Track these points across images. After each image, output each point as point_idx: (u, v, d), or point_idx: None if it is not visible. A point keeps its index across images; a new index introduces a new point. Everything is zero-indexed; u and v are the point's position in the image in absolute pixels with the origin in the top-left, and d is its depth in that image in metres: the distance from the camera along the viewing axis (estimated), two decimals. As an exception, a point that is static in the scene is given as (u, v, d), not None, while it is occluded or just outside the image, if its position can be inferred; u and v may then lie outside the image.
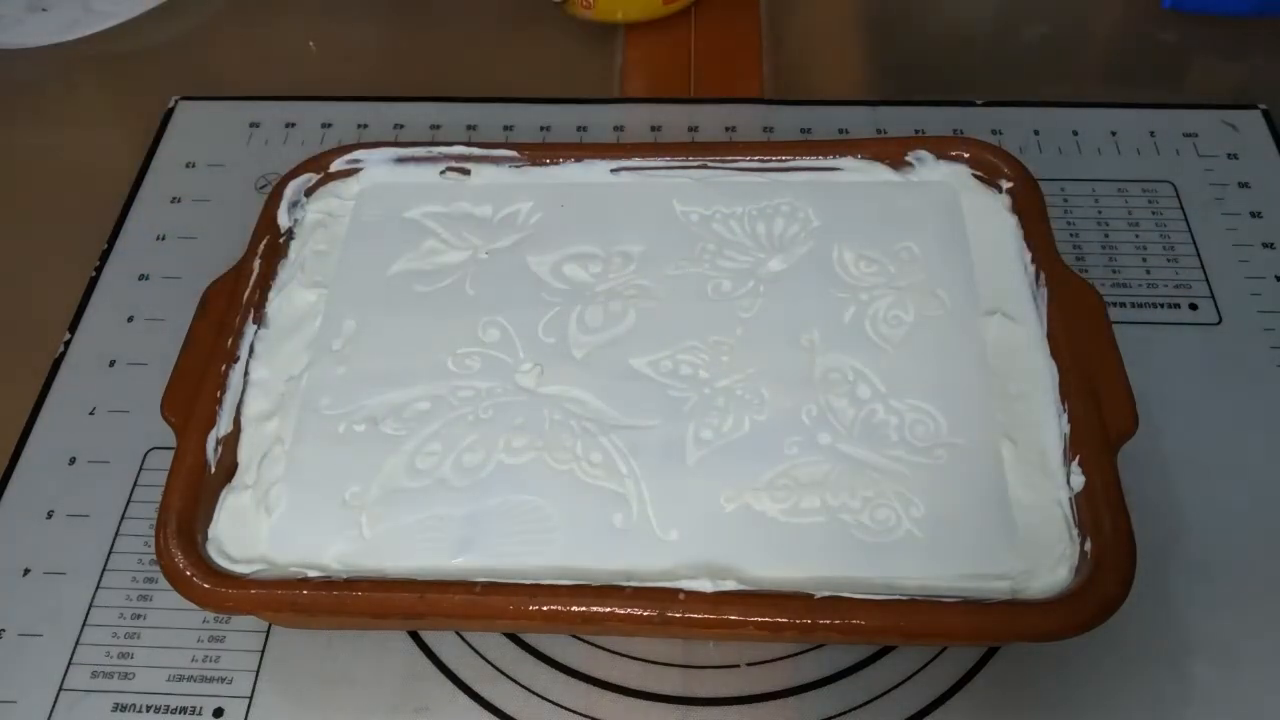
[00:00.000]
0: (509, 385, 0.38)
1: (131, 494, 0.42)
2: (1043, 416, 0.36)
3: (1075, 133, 0.52)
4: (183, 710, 0.37)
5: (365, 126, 0.55)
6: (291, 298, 0.41)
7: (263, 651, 0.38)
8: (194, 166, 0.54)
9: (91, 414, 0.45)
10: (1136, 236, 0.48)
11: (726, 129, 0.54)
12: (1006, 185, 0.42)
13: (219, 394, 0.38)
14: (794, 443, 0.36)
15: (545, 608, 0.32)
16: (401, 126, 0.55)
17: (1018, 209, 0.42)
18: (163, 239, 0.51)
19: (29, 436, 0.44)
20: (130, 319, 0.48)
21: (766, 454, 0.36)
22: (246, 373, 0.39)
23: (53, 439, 0.44)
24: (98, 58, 0.60)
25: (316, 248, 0.43)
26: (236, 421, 0.38)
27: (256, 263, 0.41)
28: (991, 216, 0.42)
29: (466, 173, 0.45)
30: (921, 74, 0.58)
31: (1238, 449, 0.41)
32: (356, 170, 0.45)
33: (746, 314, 0.40)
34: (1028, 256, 0.40)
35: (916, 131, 0.53)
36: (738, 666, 0.37)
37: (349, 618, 0.35)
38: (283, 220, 0.43)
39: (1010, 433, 0.36)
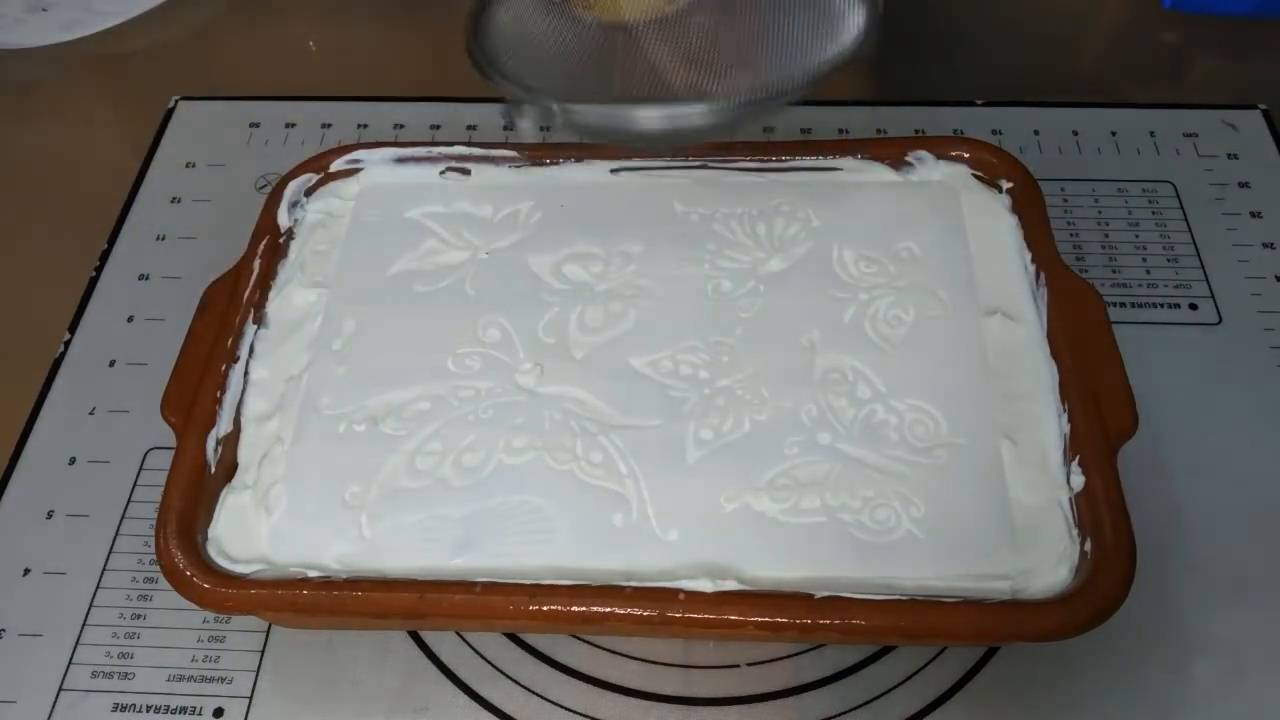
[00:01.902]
0: (509, 385, 0.38)
1: (131, 494, 0.42)
2: (1043, 416, 0.37)
3: (1075, 133, 0.52)
4: (183, 710, 0.37)
5: (365, 126, 0.55)
6: (291, 298, 0.41)
7: (263, 651, 0.38)
8: (194, 166, 0.54)
9: (91, 414, 0.45)
10: (1136, 236, 0.48)
11: (726, 129, 0.54)
12: (1006, 185, 0.42)
13: (219, 394, 0.38)
14: (794, 443, 0.36)
15: (545, 608, 0.32)
16: (401, 126, 0.55)
17: (1018, 209, 0.42)
18: (163, 239, 0.51)
19: (29, 436, 0.44)
20: (130, 319, 0.48)
21: (766, 454, 0.36)
22: (246, 373, 0.39)
23: (53, 439, 0.44)
24: (98, 58, 0.60)
25: (316, 248, 0.43)
26: (236, 421, 0.38)
27: (256, 263, 0.41)
28: (991, 216, 0.42)
29: (466, 173, 0.45)
30: (922, 74, 0.58)
31: (1238, 449, 0.41)
32: (356, 170, 0.45)
33: (746, 314, 0.40)
34: (1028, 256, 0.40)
35: (916, 131, 0.53)
36: (738, 666, 0.37)
37: (349, 618, 0.35)
38: (283, 220, 0.43)
39: (1010, 433, 0.36)
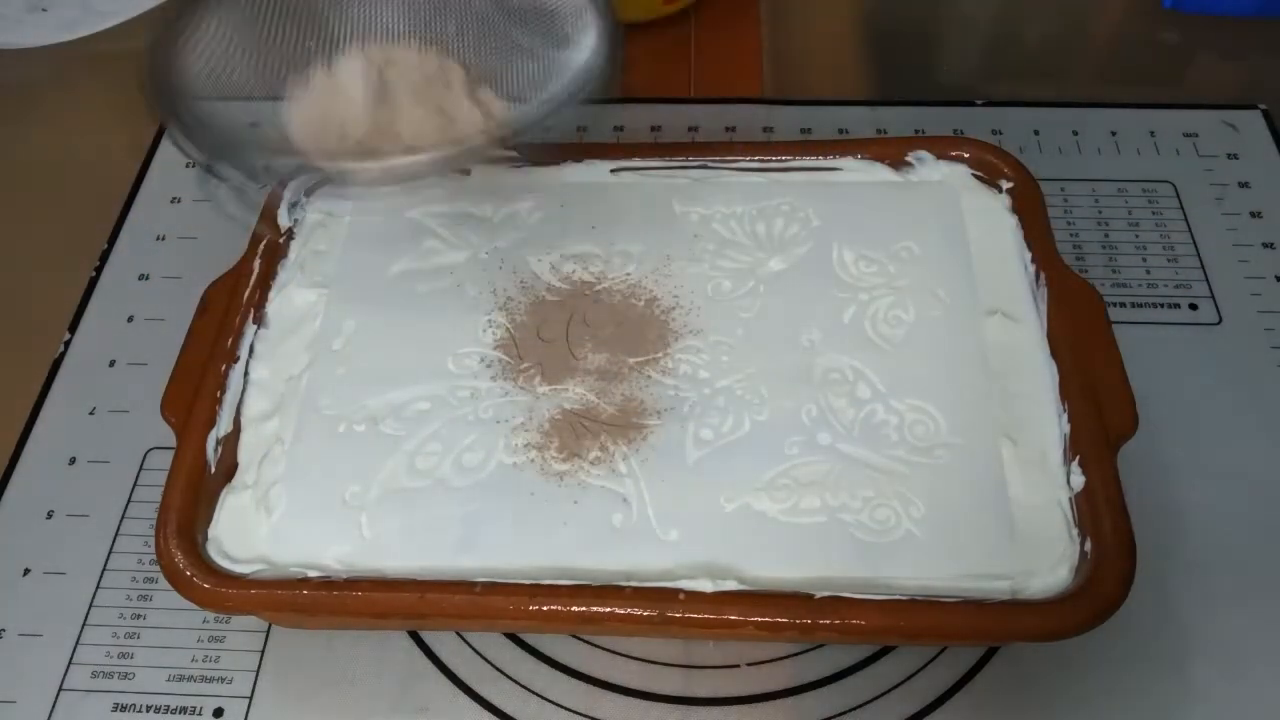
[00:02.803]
0: (509, 385, 0.38)
1: (131, 494, 0.42)
2: (1043, 416, 0.37)
3: (1075, 133, 0.52)
4: (183, 710, 0.37)
5: (365, 126, 0.55)
6: (291, 298, 0.41)
7: (263, 651, 0.38)
8: (194, 166, 0.54)
9: (91, 414, 0.45)
10: (1136, 236, 0.48)
11: (726, 129, 0.54)
12: (1006, 185, 0.42)
13: (219, 394, 0.38)
14: (794, 443, 0.36)
15: (545, 608, 0.32)
16: (401, 126, 0.55)
17: (1018, 209, 0.42)
18: (163, 239, 0.51)
19: (29, 436, 0.44)
20: (130, 319, 0.48)
21: (766, 454, 0.36)
22: (246, 373, 0.39)
23: (53, 439, 0.44)
24: (98, 58, 0.60)
25: (316, 248, 0.43)
26: (236, 421, 0.38)
27: (256, 263, 0.41)
28: (991, 216, 0.42)
29: (466, 172, 0.45)
30: (921, 74, 0.58)
31: (1238, 449, 0.41)
32: (356, 170, 0.45)
33: (746, 314, 0.40)
34: (1028, 256, 0.40)
35: (916, 131, 0.53)
36: (738, 666, 0.37)
37: (349, 618, 0.35)
38: (283, 220, 0.43)
39: (1010, 433, 0.36)
